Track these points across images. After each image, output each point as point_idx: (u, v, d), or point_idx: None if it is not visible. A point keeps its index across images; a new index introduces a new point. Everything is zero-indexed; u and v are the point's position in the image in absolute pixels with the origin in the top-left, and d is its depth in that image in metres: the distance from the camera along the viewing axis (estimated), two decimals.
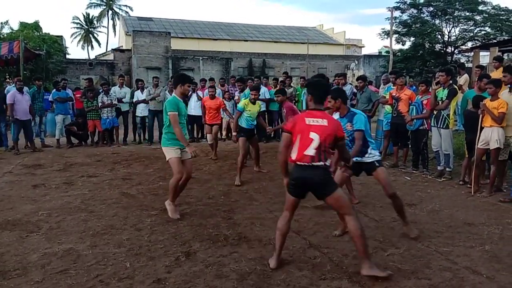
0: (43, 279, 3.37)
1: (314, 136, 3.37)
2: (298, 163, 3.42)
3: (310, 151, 3.36)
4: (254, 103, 7.03)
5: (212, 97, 9.19)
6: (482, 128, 5.88)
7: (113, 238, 4.27)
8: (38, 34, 23.90)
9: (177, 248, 4.01)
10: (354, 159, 4.30)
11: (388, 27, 29.72)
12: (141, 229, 4.56)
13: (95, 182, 6.78)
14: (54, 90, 11.21)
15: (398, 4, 29.96)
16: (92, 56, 44.54)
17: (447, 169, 6.90)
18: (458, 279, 3.35)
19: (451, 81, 6.83)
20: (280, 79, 12.36)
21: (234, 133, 7.07)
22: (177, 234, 4.39)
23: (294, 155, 3.45)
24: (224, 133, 11.75)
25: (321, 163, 3.38)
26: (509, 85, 5.83)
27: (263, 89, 11.31)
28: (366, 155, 4.31)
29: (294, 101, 11.34)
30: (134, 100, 11.01)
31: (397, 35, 30.50)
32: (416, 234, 4.26)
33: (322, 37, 45.72)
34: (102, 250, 3.96)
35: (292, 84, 12.34)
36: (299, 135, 3.43)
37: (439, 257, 3.78)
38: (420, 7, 29.88)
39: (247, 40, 41.01)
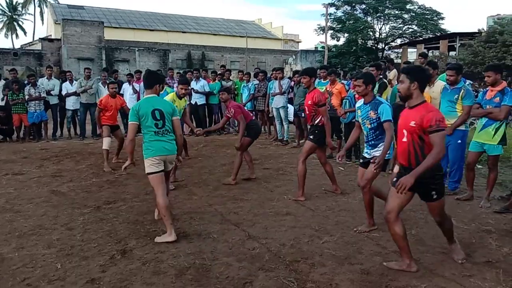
0: None
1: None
2: None
3: None
4: (180, 98, 6.29)
5: (113, 95, 7.80)
6: None
7: (42, 239, 4.03)
8: None
9: (112, 246, 3.87)
10: (366, 153, 4.36)
11: (323, 23, 30.64)
12: (73, 228, 4.34)
13: (21, 180, 6.35)
14: None
15: (333, 1, 30.98)
16: (17, 46, 41.53)
17: None
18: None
19: (381, 76, 7.18)
20: (218, 72, 12.32)
21: None
22: (112, 232, 4.23)
23: None
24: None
25: None
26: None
27: (202, 82, 11.22)
28: (375, 149, 4.28)
29: (233, 94, 11.35)
30: (63, 92, 10.43)
31: (332, 31, 31.59)
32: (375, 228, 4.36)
33: (261, 31, 46.12)
34: (30, 252, 3.72)
35: (231, 78, 12.34)
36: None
37: (370, 243, 3.99)
38: (354, 4, 31.15)
39: (185, 32, 40.34)
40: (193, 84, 10.90)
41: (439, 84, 6.14)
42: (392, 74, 9.17)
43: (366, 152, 4.39)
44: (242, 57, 33.93)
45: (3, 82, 10.84)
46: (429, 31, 30.81)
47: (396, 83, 9.02)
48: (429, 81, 6.12)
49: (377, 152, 4.23)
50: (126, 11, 42.35)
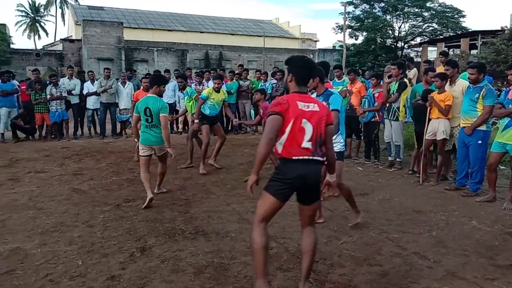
0: None
1: (306, 124, 2.78)
2: (295, 157, 2.79)
3: (305, 143, 2.78)
4: (218, 92, 7.05)
5: (147, 89, 8.76)
6: (429, 120, 6.15)
7: (64, 236, 4.11)
8: None
9: (132, 244, 3.91)
10: None
11: (342, 22, 30.40)
12: (94, 225, 4.41)
13: (43, 178, 6.48)
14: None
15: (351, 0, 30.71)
16: (39, 46, 42.46)
17: (397, 159, 7.18)
18: (407, 264, 3.50)
19: (402, 75, 7.09)
20: (236, 71, 12.36)
21: (196, 120, 6.99)
22: (131, 229, 4.28)
23: (282, 148, 2.81)
24: (180, 126, 11.60)
25: (320, 158, 2.85)
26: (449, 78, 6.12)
27: None
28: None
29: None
30: (85, 92, 10.60)
31: (350, 30, 31.30)
32: (358, 222, 4.37)
33: (278, 31, 46.01)
34: (52, 249, 3.80)
35: (248, 77, 12.36)
36: (293, 122, 2.77)
37: (390, 244, 3.94)
38: (372, 2, 30.82)
39: (203, 32, 40.52)
40: (211, 84, 10.94)
41: (460, 83, 6.04)
42: (412, 73, 9.06)
43: None
44: (259, 56, 33.91)
45: (16, 82, 11.09)
46: (449, 29, 30.24)
47: (416, 82, 8.91)
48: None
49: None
50: (145, 11, 42.79)
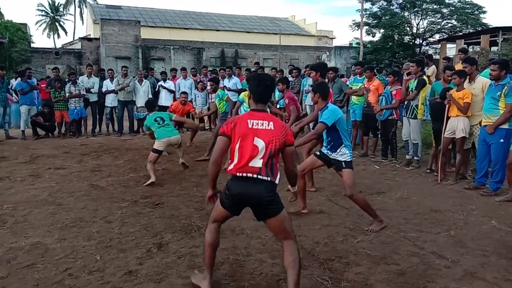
0: (8, 274, 3.26)
1: (258, 142, 2.77)
2: (239, 174, 2.81)
3: (256, 161, 2.76)
4: None
5: (184, 103, 9.70)
6: (448, 118, 6.06)
7: (83, 231, 4.18)
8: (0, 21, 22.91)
9: (149, 239, 3.96)
10: (325, 150, 4.37)
11: (358, 19, 30.08)
12: (112, 221, 4.48)
13: (62, 174, 6.60)
14: (19, 79, 10.79)
15: None
16: (58, 45, 43.16)
17: (415, 158, 7.09)
18: (425, 263, 3.46)
19: (421, 72, 6.99)
20: (252, 69, 12.34)
21: None
22: (148, 225, 4.33)
23: (233, 165, 2.84)
24: (207, 123, 11.69)
25: (268, 177, 2.78)
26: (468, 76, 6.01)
27: (234, 79, 11.28)
28: (335, 153, 4.27)
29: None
30: (104, 90, 10.75)
31: (367, 27, 30.93)
32: (377, 229, 4.18)
33: (294, 28, 45.86)
34: (71, 243, 3.87)
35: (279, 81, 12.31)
36: (240, 140, 2.80)
37: (407, 243, 3.89)
38: None
39: (219, 30, 40.66)
40: (226, 82, 10.98)
41: (480, 80, 5.92)
42: (430, 70, 8.92)
43: (326, 152, 4.39)
44: (275, 54, 33.86)
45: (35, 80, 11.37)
46: (469, 26, 29.63)
47: (435, 79, 8.77)
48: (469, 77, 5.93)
49: (337, 157, 4.26)
50: (161, 10, 43.13)
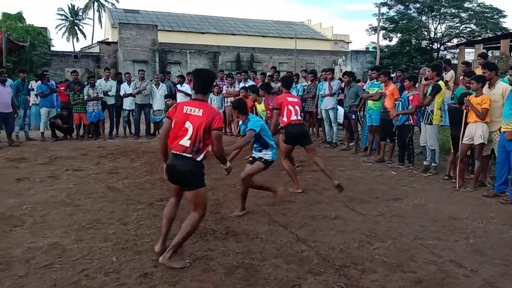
0: (27, 274, 3.32)
1: (188, 126, 3.36)
2: (172, 151, 3.44)
3: (184, 141, 3.35)
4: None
5: None
6: (466, 124, 5.96)
7: (99, 232, 4.23)
8: (21, 25, 23.52)
9: None
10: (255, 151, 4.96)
11: (375, 23, 29.91)
12: (128, 223, 4.52)
13: (80, 176, 6.69)
14: (40, 82, 11.00)
15: (386, 0, 30.15)
16: (77, 49, 43.95)
17: (433, 164, 6.98)
18: (442, 272, 3.40)
19: (438, 77, 6.90)
20: (268, 73, 12.35)
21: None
22: None
23: (170, 141, 3.47)
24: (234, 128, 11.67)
25: (191, 155, 3.35)
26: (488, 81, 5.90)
27: (250, 83, 11.29)
28: (261, 153, 4.89)
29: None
30: (121, 93, 10.89)
31: (384, 31, 30.72)
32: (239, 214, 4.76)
33: (310, 32, 45.80)
34: (88, 245, 3.92)
35: (280, 79, 12.32)
36: (175, 122, 3.44)
37: (424, 251, 3.83)
38: (407, 3, 30.14)
39: (234, 34, 40.87)
40: (242, 86, 11.01)
41: (501, 85, 5.82)
42: (449, 75, 8.81)
43: (254, 153, 4.99)
44: (290, 58, 33.86)
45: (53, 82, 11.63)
46: (488, 30, 29.15)
47: (453, 85, 8.65)
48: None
49: (260, 155, 4.92)
50: (178, 14, 43.58)
